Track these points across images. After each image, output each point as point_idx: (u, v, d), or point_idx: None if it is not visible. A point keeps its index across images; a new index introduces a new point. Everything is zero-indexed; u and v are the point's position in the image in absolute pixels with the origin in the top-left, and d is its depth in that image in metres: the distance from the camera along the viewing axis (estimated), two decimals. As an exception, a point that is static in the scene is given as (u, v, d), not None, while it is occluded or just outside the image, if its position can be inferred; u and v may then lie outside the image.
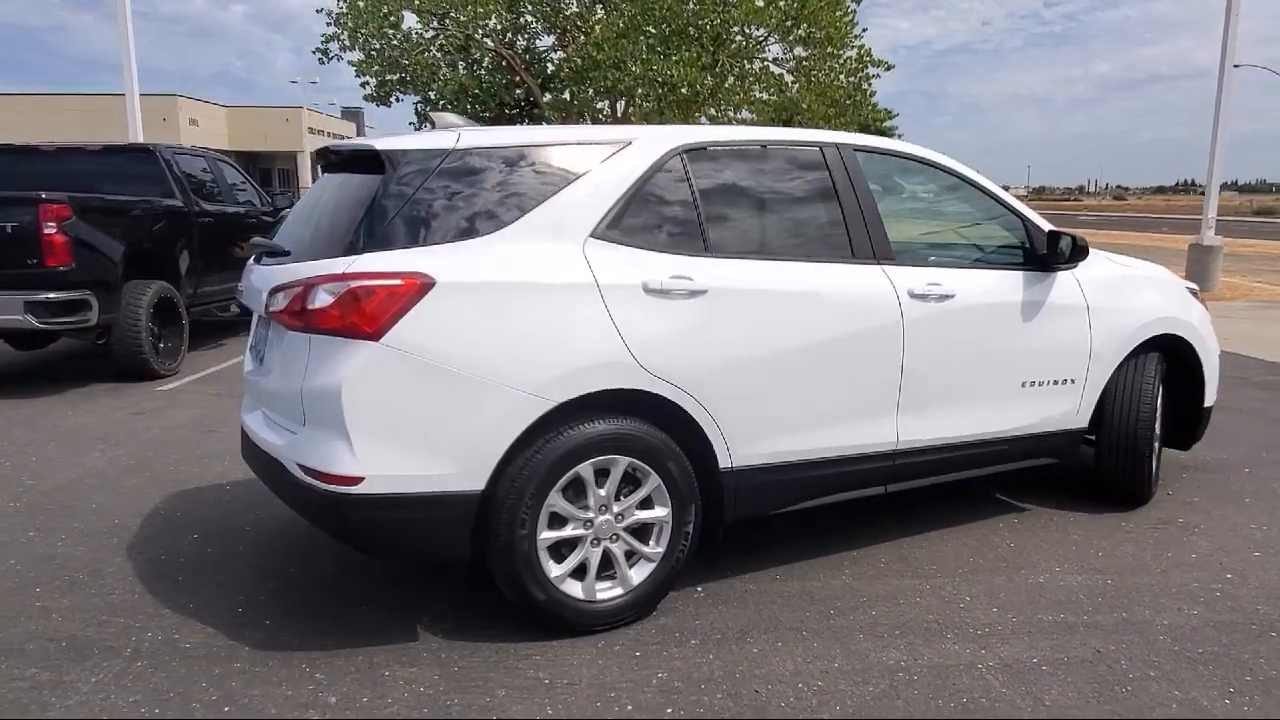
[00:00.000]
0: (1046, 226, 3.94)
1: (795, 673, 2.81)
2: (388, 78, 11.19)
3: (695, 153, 3.27)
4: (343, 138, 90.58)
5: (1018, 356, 3.83)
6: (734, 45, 11.17)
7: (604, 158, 3.11)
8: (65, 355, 8.32)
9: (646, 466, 3.04)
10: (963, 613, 3.22)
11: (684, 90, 10.31)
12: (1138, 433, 4.08)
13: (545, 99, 11.94)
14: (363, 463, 2.72)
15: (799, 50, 11.61)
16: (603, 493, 3.01)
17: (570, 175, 3.05)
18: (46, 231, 6.49)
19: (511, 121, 12.27)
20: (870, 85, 11.85)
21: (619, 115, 11.54)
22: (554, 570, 2.96)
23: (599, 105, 11.35)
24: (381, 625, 3.12)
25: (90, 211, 6.92)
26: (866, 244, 3.49)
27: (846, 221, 3.48)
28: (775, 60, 11.85)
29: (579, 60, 10.56)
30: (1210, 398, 4.49)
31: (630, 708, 2.62)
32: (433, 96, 11.26)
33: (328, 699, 2.66)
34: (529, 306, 2.88)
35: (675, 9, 10.28)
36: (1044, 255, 3.87)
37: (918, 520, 4.08)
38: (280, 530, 4.00)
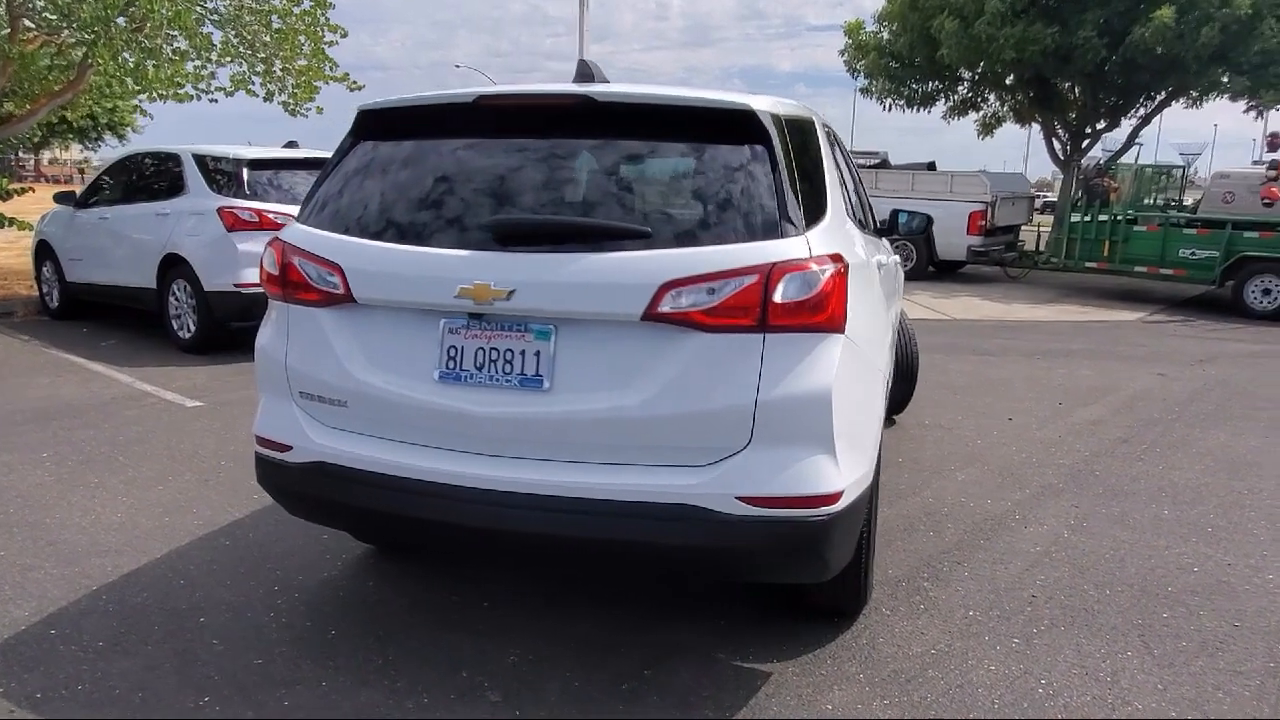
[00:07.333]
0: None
1: (994, 579, 3.47)
2: None
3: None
4: None
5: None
6: None
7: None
8: None
9: None
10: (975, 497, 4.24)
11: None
12: (913, 359, 5.49)
13: None
14: (845, 474, 2.39)
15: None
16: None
17: None
18: None
19: None
20: (326, 52, 11.21)
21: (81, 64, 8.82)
22: (850, 555, 2.99)
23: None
24: (694, 655, 2.84)
25: None
26: (865, 215, 4.09)
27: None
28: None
29: None
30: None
31: (988, 637, 3.01)
32: None
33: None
34: (869, 285, 2.92)
35: None
36: (886, 226, 4.91)
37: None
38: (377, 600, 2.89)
